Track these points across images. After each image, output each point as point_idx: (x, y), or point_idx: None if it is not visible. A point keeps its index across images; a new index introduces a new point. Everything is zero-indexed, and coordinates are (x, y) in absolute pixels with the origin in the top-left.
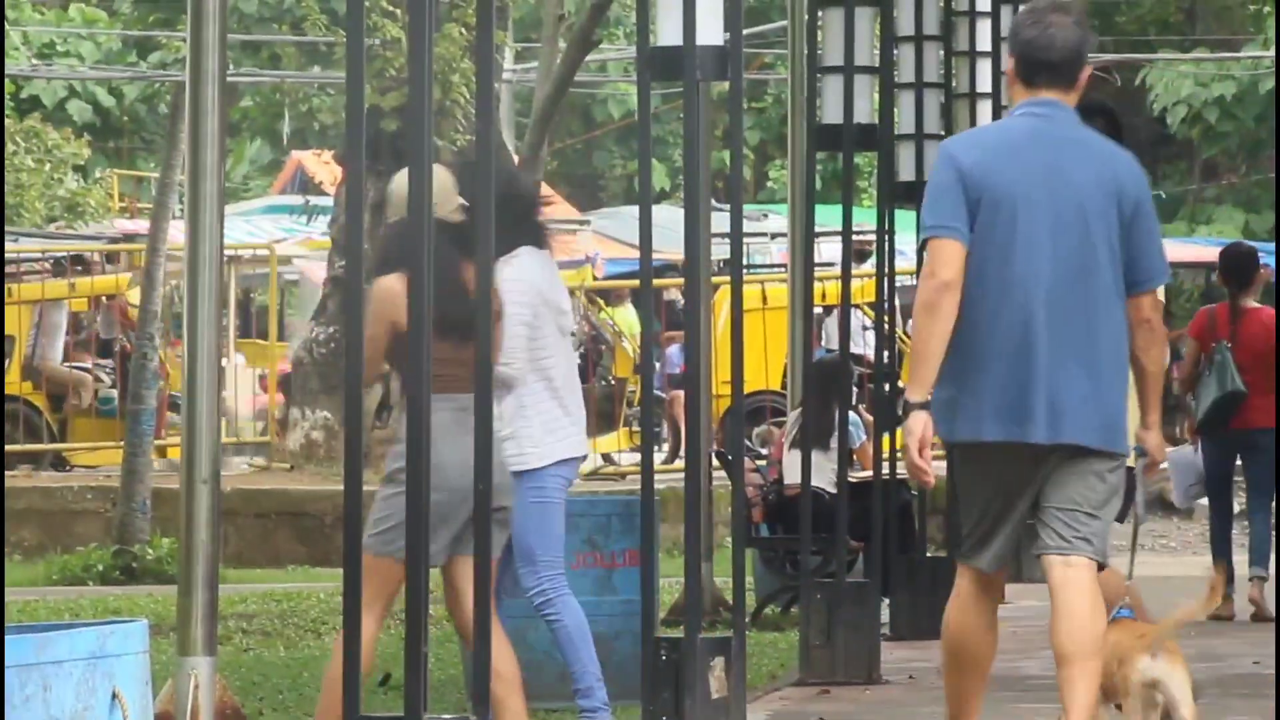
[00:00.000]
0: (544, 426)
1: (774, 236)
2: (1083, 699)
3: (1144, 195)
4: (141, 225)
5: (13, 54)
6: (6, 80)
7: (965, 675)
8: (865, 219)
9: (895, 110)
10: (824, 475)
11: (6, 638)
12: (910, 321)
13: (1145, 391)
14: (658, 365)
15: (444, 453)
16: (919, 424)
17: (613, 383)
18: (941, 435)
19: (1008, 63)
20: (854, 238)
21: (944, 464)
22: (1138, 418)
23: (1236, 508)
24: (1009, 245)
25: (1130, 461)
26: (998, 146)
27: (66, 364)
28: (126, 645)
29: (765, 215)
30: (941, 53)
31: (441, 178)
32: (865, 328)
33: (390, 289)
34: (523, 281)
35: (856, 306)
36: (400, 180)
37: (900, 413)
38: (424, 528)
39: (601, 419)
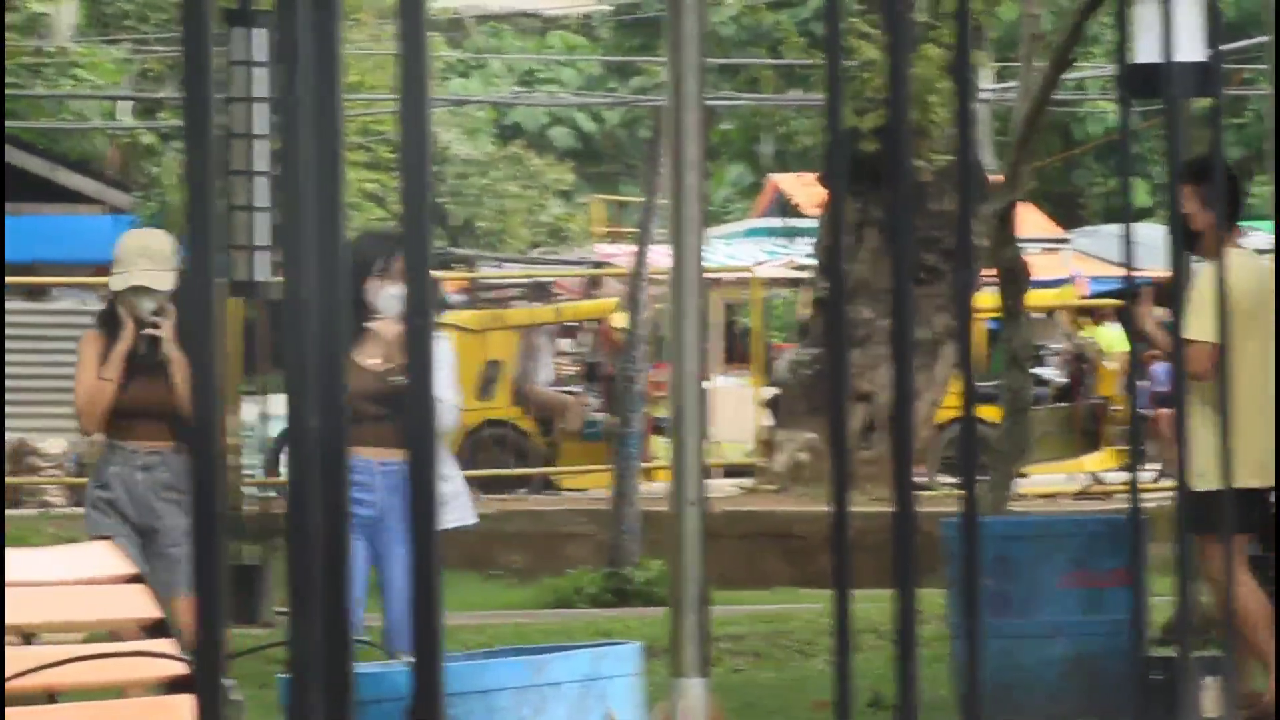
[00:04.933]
0: None
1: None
2: None
3: None
4: (620, 250)
5: (494, 81)
6: (490, 108)
7: None
8: None
9: None
10: None
11: (504, 660)
12: None
13: None
14: (1146, 383)
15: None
16: None
17: (1097, 402)
18: None
19: None
20: None
21: None
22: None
23: None
24: None
25: None
26: None
27: (554, 388)
28: (620, 667)
29: (1246, 232)
30: None
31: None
32: None
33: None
34: None
35: None
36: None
37: None
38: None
39: (1086, 438)
